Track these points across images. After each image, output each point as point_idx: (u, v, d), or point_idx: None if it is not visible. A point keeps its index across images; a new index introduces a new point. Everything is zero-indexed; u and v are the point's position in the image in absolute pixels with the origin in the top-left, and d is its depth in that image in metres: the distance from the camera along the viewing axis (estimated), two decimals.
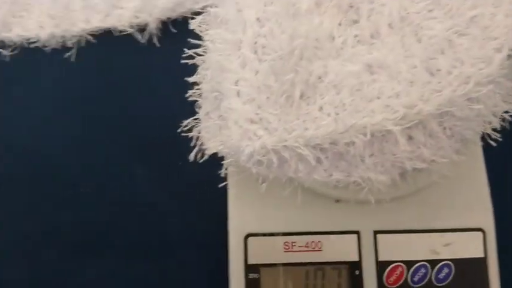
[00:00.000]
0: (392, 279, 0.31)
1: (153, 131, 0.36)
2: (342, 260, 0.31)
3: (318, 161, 0.27)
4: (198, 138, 0.30)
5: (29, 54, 0.38)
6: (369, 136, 0.25)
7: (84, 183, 0.35)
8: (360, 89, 0.26)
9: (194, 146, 0.30)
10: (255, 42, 0.27)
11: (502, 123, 0.29)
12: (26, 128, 0.37)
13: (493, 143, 0.29)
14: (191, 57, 0.31)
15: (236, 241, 0.31)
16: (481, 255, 0.32)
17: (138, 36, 0.38)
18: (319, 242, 0.31)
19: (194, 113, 0.31)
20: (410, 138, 0.26)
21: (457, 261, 0.31)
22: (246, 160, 0.26)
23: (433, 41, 0.26)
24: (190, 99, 0.31)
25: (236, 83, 0.27)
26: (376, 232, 0.32)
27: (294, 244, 0.31)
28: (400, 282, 0.31)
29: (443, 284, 0.31)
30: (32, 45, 0.38)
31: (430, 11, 0.27)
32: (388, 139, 0.26)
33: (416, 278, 0.31)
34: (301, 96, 0.27)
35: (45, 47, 0.38)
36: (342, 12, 0.28)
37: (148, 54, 0.38)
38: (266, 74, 0.27)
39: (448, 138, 0.27)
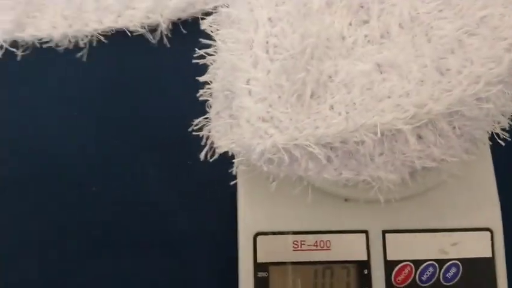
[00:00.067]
0: (400, 278, 0.31)
1: (163, 131, 0.36)
2: (351, 259, 0.31)
3: (328, 159, 0.27)
4: (208, 137, 0.31)
5: (41, 54, 0.39)
6: (379, 135, 0.25)
7: (95, 182, 0.36)
8: (371, 88, 0.27)
9: (204, 145, 0.31)
10: (267, 42, 0.27)
11: (510, 122, 0.29)
12: (37, 127, 0.37)
13: (502, 143, 0.29)
14: (202, 57, 0.31)
15: (245, 240, 0.31)
16: (489, 255, 0.32)
17: (149, 36, 0.38)
18: (328, 241, 0.32)
19: (204, 112, 0.31)
20: (420, 137, 0.27)
21: (464, 261, 0.32)
22: (257, 158, 0.27)
23: (443, 40, 0.26)
24: (200, 98, 0.31)
25: (248, 82, 0.27)
26: (384, 231, 0.32)
27: (303, 243, 0.32)
28: (408, 281, 0.31)
29: (451, 283, 0.31)
30: (45, 46, 0.38)
31: (440, 11, 0.27)
32: (398, 138, 0.26)
33: (424, 277, 0.31)
34: (312, 95, 0.27)
35: (58, 47, 0.38)
36: (352, 12, 0.28)
37: (159, 54, 0.38)
38: (277, 73, 0.27)
39: (458, 138, 0.27)
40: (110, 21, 0.38)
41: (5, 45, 0.38)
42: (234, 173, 0.30)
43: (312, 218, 0.32)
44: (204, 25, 0.31)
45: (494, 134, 0.29)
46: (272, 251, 0.31)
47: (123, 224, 0.35)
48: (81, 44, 0.38)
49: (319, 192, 0.31)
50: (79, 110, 0.37)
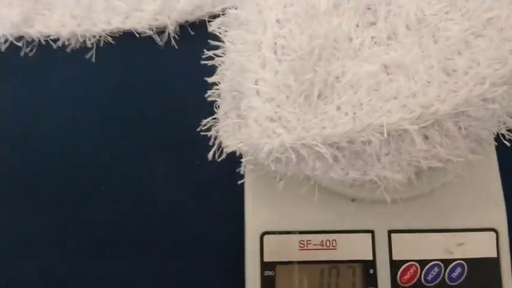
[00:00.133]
0: (406, 278, 0.32)
1: (171, 131, 0.37)
2: (356, 259, 0.32)
3: (335, 159, 0.27)
4: (216, 137, 0.31)
5: (49, 54, 0.39)
6: (385, 135, 0.26)
7: (104, 183, 0.36)
8: (377, 89, 0.27)
9: (212, 145, 0.31)
10: (275, 43, 0.28)
11: None
12: (45, 128, 0.37)
13: (507, 143, 0.30)
14: (210, 58, 0.31)
15: (252, 239, 0.32)
16: (494, 255, 0.32)
17: (157, 38, 0.39)
18: (334, 240, 0.32)
19: (212, 112, 0.32)
20: (426, 137, 0.27)
21: (470, 261, 0.32)
22: (264, 157, 0.27)
23: (450, 42, 0.27)
24: (209, 99, 0.31)
25: (256, 82, 0.27)
26: (390, 231, 0.32)
27: (309, 242, 0.32)
28: (414, 281, 0.32)
29: (456, 283, 0.32)
30: (54, 45, 0.39)
31: (447, 12, 0.27)
32: (405, 138, 0.27)
33: (429, 277, 0.32)
34: (319, 96, 0.28)
35: (65, 46, 0.39)
36: (359, 14, 0.28)
37: (167, 56, 0.39)
38: (285, 74, 0.27)
39: (464, 138, 0.28)
40: (118, 22, 0.38)
41: (11, 39, 0.38)
42: (241, 172, 0.30)
43: (319, 218, 0.32)
44: (213, 27, 0.31)
45: (500, 135, 0.30)
46: (279, 250, 0.32)
47: (131, 224, 0.35)
48: (89, 44, 0.39)
49: (326, 192, 0.31)
50: (86, 110, 0.38)
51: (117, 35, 0.39)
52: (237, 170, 0.30)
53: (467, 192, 0.33)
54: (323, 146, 0.26)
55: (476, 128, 0.28)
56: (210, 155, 0.31)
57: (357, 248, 0.32)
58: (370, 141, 0.26)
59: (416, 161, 0.28)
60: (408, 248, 0.32)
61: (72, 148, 0.37)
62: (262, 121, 0.27)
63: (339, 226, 0.32)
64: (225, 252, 0.34)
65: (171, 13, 0.38)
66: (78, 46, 0.39)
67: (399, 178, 0.28)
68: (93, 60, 0.39)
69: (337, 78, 0.28)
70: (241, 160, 0.29)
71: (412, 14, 0.28)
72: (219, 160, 0.30)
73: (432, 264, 0.32)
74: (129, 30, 0.39)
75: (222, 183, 0.34)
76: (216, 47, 0.31)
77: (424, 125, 0.26)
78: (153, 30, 0.39)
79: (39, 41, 0.39)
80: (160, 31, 0.39)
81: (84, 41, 0.39)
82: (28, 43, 0.39)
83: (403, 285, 0.32)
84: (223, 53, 0.31)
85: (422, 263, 0.32)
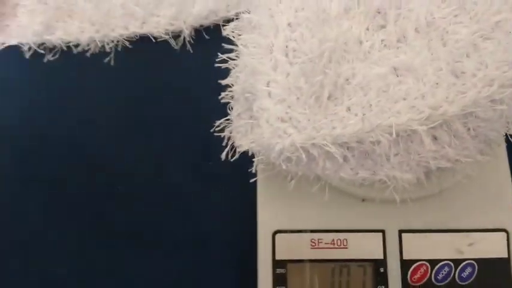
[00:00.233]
0: (416, 277, 0.32)
1: (185, 132, 0.38)
2: (367, 258, 0.32)
3: (345, 159, 0.28)
4: (229, 137, 0.32)
5: (69, 58, 0.40)
6: (394, 135, 0.26)
7: (121, 182, 0.37)
8: (387, 91, 0.27)
9: (225, 146, 0.32)
10: (286, 46, 0.28)
11: None
12: (65, 129, 0.38)
13: None
14: (224, 61, 0.32)
15: (264, 237, 0.32)
16: (505, 255, 0.32)
17: (173, 42, 0.40)
18: (345, 239, 0.32)
19: (226, 114, 0.32)
20: (435, 138, 0.27)
21: (480, 261, 0.32)
22: (276, 157, 0.28)
23: (458, 44, 0.27)
24: (222, 101, 0.32)
25: (268, 84, 0.28)
26: (401, 231, 0.32)
27: (320, 241, 0.32)
28: (424, 280, 0.32)
29: (467, 283, 0.32)
30: (74, 50, 0.40)
31: (455, 16, 0.28)
32: (414, 139, 0.27)
33: (440, 277, 0.32)
34: (330, 97, 0.28)
35: (85, 51, 0.40)
36: (369, 17, 0.29)
37: (182, 59, 0.40)
38: (296, 76, 0.28)
39: (472, 139, 0.28)
40: (135, 27, 0.39)
41: (34, 47, 0.40)
42: (253, 171, 0.31)
43: (330, 217, 0.33)
44: (227, 31, 0.32)
45: (509, 136, 0.30)
46: (290, 248, 0.32)
47: (146, 223, 0.36)
48: (107, 48, 0.40)
49: (337, 192, 0.32)
50: (103, 113, 0.39)
51: (134, 40, 0.40)
52: (249, 170, 0.31)
53: (478, 193, 0.33)
54: (333, 145, 0.27)
55: (484, 129, 0.28)
56: (223, 155, 0.31)
57: (367, 247, 0.32)
58: (379, 142, 0.27)
59: (425, 161, 0.28)
60: (418, 248, 0.32)
61: (89, 149, 0.38)
62: (274, 122, 0.27)
63: (350, 225, 0.33)
64: (238, 250, 0.35)
65: (186, 18, 0.39)
66: (97, 51, 0.40)
67: (408, 178, 0.29)
68: (112, 63, 0.40)
69: (347, 80, 0.28)
70: (253, 160, 0.30)
71: (422, 18, 0.28)
72: (232, 160, 0.31)
73: (442, 264, 0.32)
74: (145, 34, 0.40)
75: (235, 182, 0.35)
76: (230, 51, 0.32)
77: (432, 125, 0.26)
78: (169, 34, 0.40)
79: (61, 46, 0.40)
80: (176, 35, 0.40)
81: (103, 46, 0.40)
82: (50, 49, 0.40)
83: (413, 284, 0.32)
84: (236, 56, 0.32)
85: (433, 262, 0.32)
